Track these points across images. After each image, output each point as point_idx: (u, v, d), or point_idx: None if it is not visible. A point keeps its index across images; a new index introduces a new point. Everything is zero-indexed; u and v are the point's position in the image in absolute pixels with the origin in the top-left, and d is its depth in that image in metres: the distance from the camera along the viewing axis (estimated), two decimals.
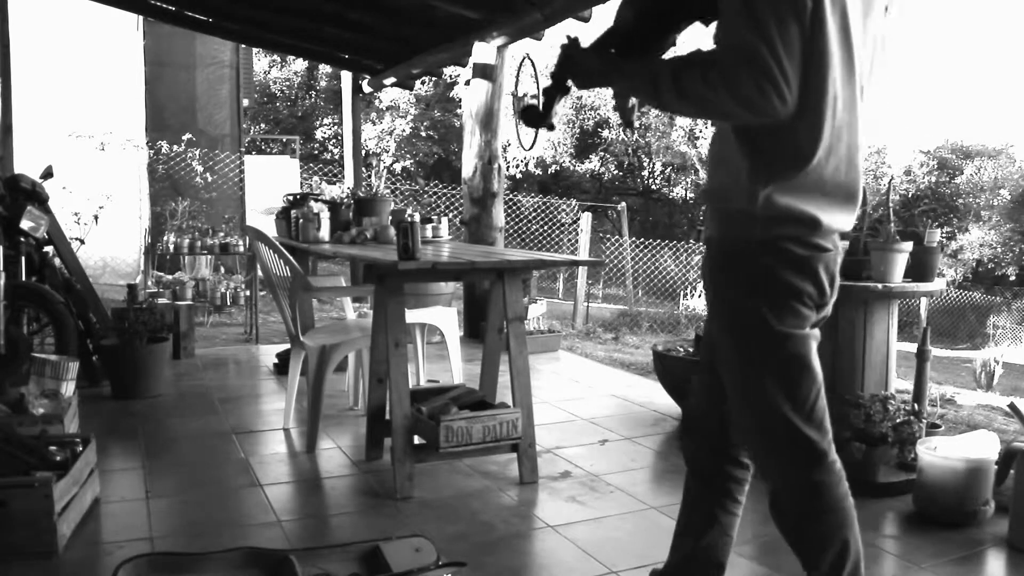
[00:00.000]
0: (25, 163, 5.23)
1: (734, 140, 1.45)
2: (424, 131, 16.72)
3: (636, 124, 1.66)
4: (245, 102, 13.10)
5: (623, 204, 11.05)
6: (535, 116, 1.57)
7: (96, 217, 6.54)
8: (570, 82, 1.59)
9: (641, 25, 1.54)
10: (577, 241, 8.67)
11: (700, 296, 10.11)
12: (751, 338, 1.50)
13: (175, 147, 8.82)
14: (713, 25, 1.41)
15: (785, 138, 1.38)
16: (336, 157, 17.82)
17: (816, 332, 1.54)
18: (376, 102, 17.41)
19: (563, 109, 15.15)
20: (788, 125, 1.34)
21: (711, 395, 1.71)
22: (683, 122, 14.32)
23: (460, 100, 9.92)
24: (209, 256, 6.78)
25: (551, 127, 1.64)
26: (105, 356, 4.19)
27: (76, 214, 6.37)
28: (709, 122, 14.15)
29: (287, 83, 20.88)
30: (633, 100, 1.65)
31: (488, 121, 5.99)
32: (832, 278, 1.54)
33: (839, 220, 1.51)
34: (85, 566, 2.24)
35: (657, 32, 1.56)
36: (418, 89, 15.75)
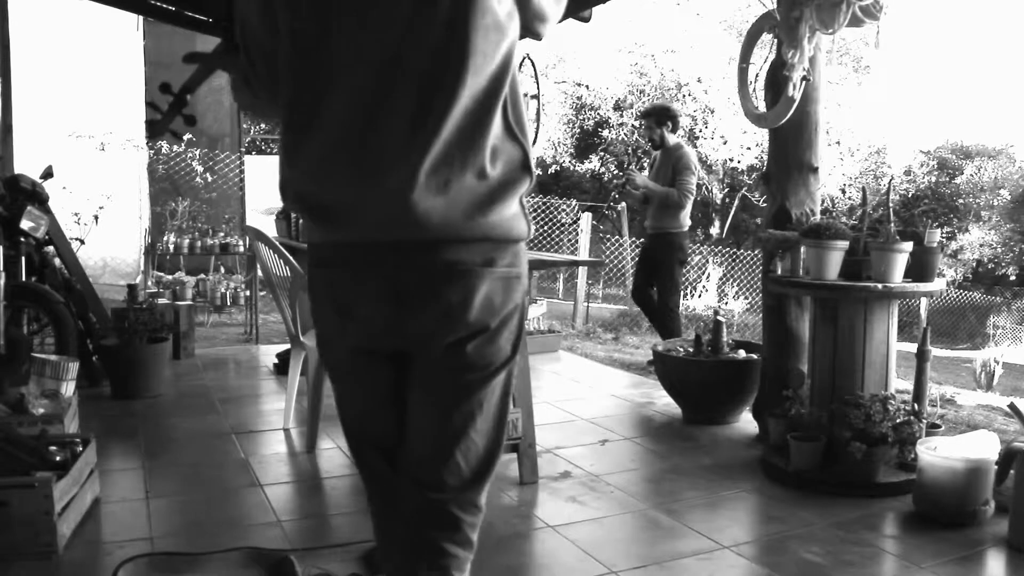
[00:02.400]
0: (25, 163, 5.22)
1: None
2: None
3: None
4: None
5: (623, 204, 11.04)
6: (156, 127, 1.65)
7: (96, 217, 6.53)
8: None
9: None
10: (577, 241, 8.67)
11: (700, 296, 10.11)
12: None
13: (175, 147, 8.82)
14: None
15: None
16: None
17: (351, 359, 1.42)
18: None
19: (563, 109, 15.16)
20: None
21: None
22: (683, 122, 14.33)
23: None
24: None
25: (179, 137, 1.73)
26: (105, 356, 4.19)
27: (76, 214, 6.36)
28: (708, 122, 14.19)
29: None
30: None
31: None
32: (336, 303, 1.34)
33: (328, 232, 1.31)
34: (85, 566, 2.24)
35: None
36: None
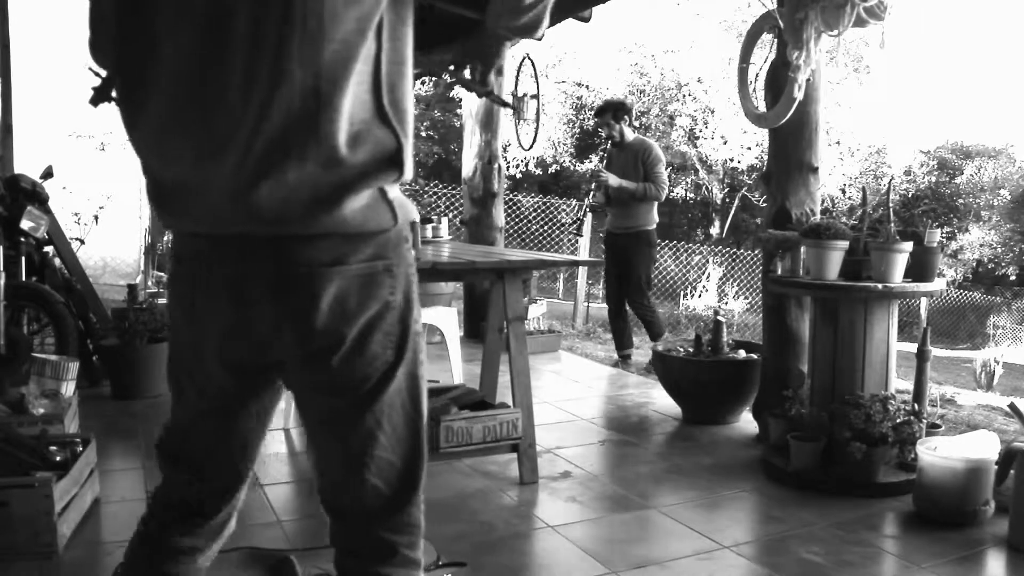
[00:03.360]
0: (25, 163, 5.22)
1: None
2: (424, 131, 16.72)
3: None
4: None
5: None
6: (96, 92, 1.66)
7: (96, 217, 6.53)
8: None
9: None
10: (577, 241, 8.67)
11: (700, 296, 10.11)
12: None
13: None
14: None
15: None
16: None
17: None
18: None
19: (563, 109, 15.15)
20: None
21: None
22: (682, 122, 14.33)
23: (460, 100, 9.92)
24: None
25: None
26: (105, 356, 4.19)
27: (76, 214, 6.36)
28: (708, 122, 14.19)
29: None
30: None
31: (488, 121, 5.99)
32: (183, 303, 1.21)
33: (177, 220, 1.18)
34: (85, 566, 2.24)
35: None
36: (418, 89, 15.76)
